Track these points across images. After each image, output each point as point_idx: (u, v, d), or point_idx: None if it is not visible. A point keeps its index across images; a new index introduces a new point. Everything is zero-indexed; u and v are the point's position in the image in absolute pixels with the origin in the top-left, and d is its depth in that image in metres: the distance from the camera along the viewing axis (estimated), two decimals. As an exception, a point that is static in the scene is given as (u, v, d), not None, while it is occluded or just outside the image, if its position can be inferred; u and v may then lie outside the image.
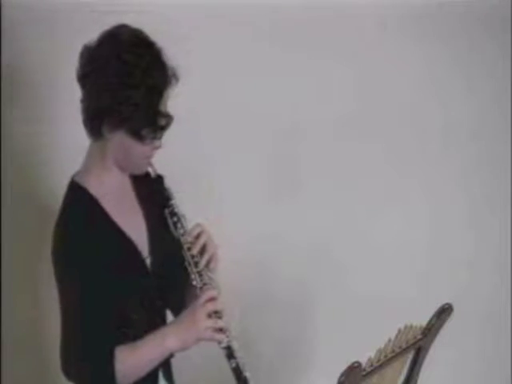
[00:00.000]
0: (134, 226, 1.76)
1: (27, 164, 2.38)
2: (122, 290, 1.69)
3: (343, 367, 1.45)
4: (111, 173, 1.73)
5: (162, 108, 1.65)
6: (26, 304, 2.44)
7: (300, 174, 2.61)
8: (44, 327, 2.42)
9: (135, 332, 1.71)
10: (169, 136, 2.09)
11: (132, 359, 1.66)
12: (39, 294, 2.39)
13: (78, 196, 1.69)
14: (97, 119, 1.64)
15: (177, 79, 1.67)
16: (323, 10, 2.45)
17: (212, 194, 2.50)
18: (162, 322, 1.84)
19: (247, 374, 1.71)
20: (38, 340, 2.42)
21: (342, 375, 1.45)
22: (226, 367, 1.73)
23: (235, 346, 1.72)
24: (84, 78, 1.64)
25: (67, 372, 1.66)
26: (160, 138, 1.70)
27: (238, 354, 1.72)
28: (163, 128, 1.67)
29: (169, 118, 1.67)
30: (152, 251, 1.78)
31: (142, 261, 1.76)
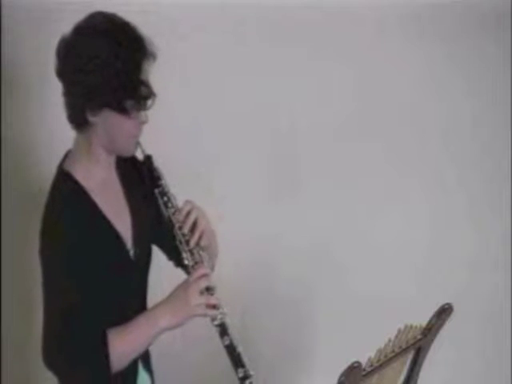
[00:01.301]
0: (120, 218, 1.77)
1: (23, 163, 2.39)
2: (109, 281, 1.69)
3: (343, 367, 1.45)
4: (99, 164, 1.73)
5: (142, 78, 1.65)
6: (25, 304, 2.44)
7: (300, 173, 2.61)
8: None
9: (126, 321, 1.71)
10: (169, 135, 2.10)
11: (125, 341, 1.66)
12: (38, 294, 2.38)
13: (67, 188, 1.69)
14: (82, 103, 1.64)
15: (154, 55, 1.67)
16: (323, 10, 2.45)
17: (212, 194, 2.50)
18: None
19: (240, 350, 1.72)
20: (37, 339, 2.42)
21: (341, 375, 1.45)
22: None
23: (228, 323, 1.72)
24: (65, 68, 1.65)
25: (53, 362, 1.66)
26: (144, 109, 1.69)
27: (231, 330, 1.72)
28: (146, 98, 1.67)
29: (150, 88, 1.66)
30: (135, 243, 1.79)
31: (127, 253, 1.77)
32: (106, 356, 1.63)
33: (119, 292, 1.74)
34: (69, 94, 1.67)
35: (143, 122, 1.71)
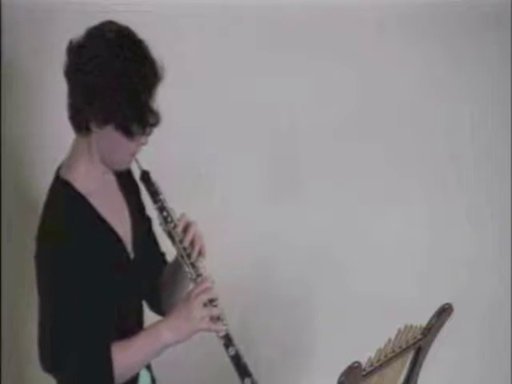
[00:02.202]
0: (120, 220, 1.77)
1: (23, 164, 2.39)
2: (109, 285, 1.68)
3: (343, 367, 1.45)
4: (97, 168, 1.72)
5: (151, 104, 1.65)
6: (25, 304, 2.44)
7: (300, 173, 2.61)
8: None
9: (127, 329, 1.71)
10: (169, 136, 2.09)
11: (128, 355, 1.66)
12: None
13: (65, 192, 1.68)
14: (85, 114, 1.64)
15: (162, 77, 1.67)
16: (323, 10, 2.45)
17: (212, 195, 2.50)
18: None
19: (246, 360, 1.72)
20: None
21: (341, 375, 1.45)
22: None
23: (232, 333, 1.72)
24: (71, 74, 1.64)
25: (53, 371, 1.65)
26: (148, 134, 1.69)
27: (235, 341, 1.72)
28: (153, 125, 1.67)
29: (158, 115, 1.67)
30: (135, 246, 1.79)
31: (128, 257, 1.77)
32: (111, 367, 1.62)
33: (120, 295, 1.73)
34: (72, 94, 1.66)
35: (143, 144, 1.72)
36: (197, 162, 2.48)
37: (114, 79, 1.60)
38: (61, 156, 1.77)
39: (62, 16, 2.25)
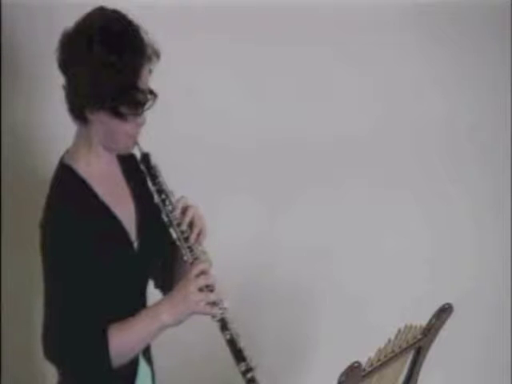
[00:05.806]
0: (124, 208, 1.77)
1: (26, 156, 2.39)
2: (111, 272, 1.69)
3: (343, 367, 1.45)
4: (99, 155, 1.73)
5: (140, 84, 1.65)
6: (26, 302, 2.44)
7: (300, 175, 2.61)
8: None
9: (128, 314, 1.72)
10: (168, 137, 2.09)
11: (126, 337, 1.67)
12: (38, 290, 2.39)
13: (67, 177, 1.70)
14: (79, 103, 1.65)
15: (157, 55, 1.68)
16: (323, 10, 2.45)
17: (212, 195, 2.50)
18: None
19: (242, 345, 1.73)
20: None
21: (341, 375, 1.45)
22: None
23: (229, 317, 1.73)
24: (63, 67, 1.66)
25: (52, 355, 1.66)
26: (141, 114, 1.69)
27: (232, 325, 1.73)
28: (144, 104, 1.67)
29: (147, 94, 1.67)
30: (139, 235, 1.79)
31: (131, 244, 1.77)
32: (107, 351, 1.63)
33: (121, 284, 1.74)
34: (66, 87, 1.68)
35: (141, 124, 1.72)
36: (196, 163, 2.47)
37: (100, 66, 1.60)
38: (61, 151, 1.77)
39: (62, 15, 2.24)
